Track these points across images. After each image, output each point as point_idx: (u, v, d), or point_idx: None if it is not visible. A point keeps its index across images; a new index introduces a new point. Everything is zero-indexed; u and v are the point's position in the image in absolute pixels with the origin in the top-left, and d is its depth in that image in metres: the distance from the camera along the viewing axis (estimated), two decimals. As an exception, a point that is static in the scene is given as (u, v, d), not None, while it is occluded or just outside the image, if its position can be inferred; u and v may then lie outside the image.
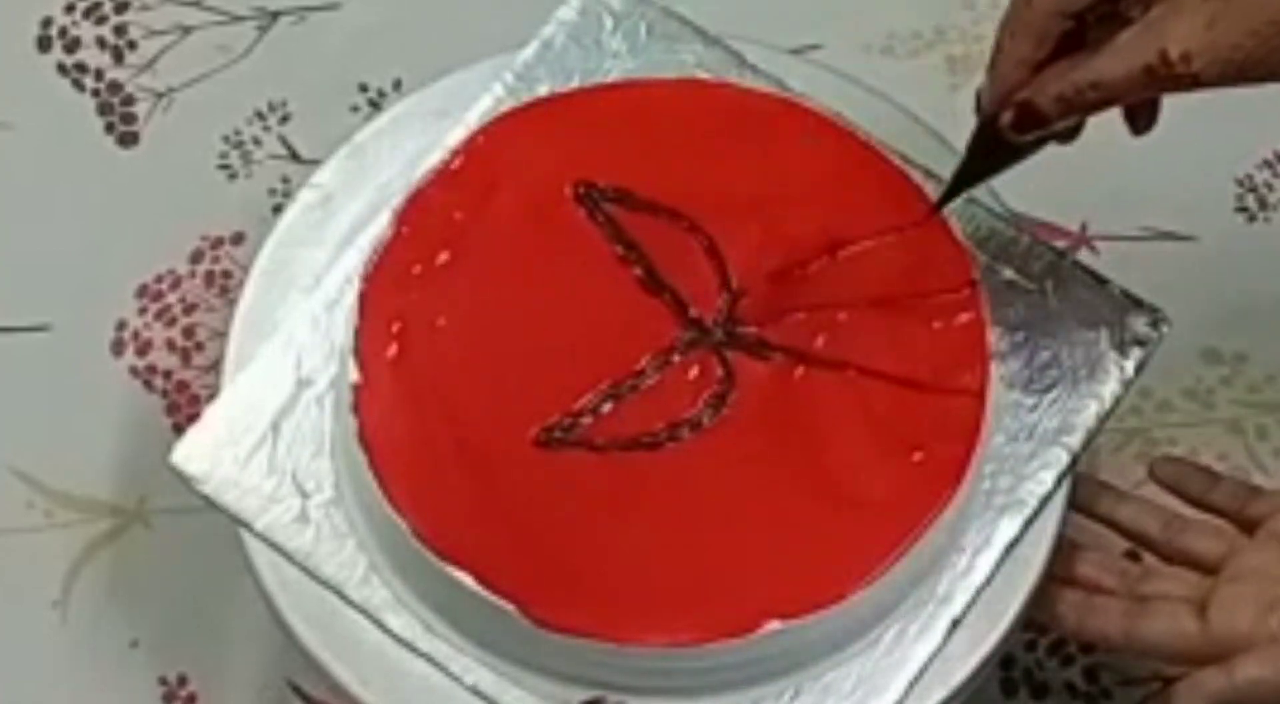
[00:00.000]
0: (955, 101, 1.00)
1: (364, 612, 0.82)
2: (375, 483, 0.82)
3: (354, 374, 0.83)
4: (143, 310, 1.00)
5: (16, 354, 0.99)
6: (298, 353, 0.86)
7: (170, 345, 0.99)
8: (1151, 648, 0.83)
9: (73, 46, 1.05)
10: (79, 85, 1.05)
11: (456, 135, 0.89)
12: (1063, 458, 0.84)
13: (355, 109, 1.03)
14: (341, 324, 0.86)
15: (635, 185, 0.87)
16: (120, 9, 1.06)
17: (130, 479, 0.96)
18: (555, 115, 0.89)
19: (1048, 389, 0.86)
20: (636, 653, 0.79)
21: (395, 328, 0.84)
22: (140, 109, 1.04)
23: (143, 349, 0.99)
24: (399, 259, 0.86)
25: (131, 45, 1.05)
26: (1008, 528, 0.83)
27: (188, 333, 0.99)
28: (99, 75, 1.05)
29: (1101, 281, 0.88)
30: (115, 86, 1.04)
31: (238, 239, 1.00)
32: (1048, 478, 0.84)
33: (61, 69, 1.05)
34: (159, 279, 1.00)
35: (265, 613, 0.84)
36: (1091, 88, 0.78)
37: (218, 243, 1.01)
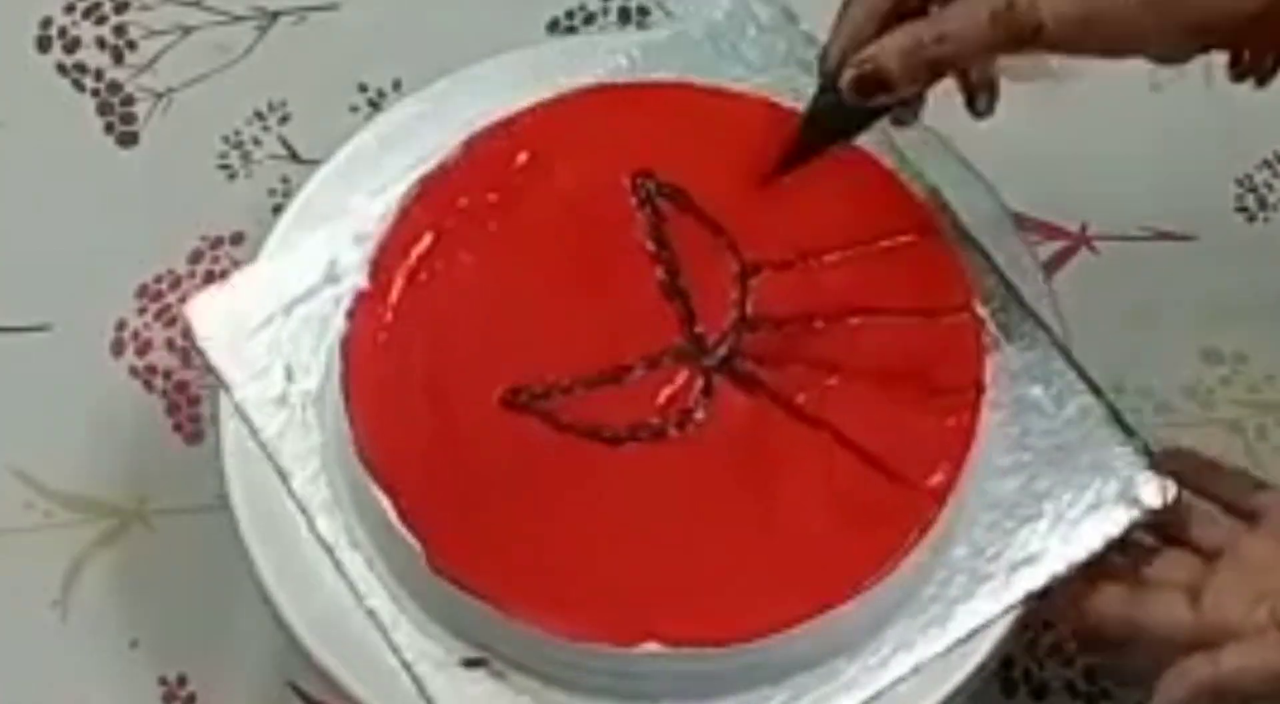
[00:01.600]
0: (955, 102, 1.00)
1: (300, 505, 0.84)
2: (342, 391, 0.83)
3: (364, 280, 0.85)
4: (143, 310, 1.00)
5: (16, 354, 0.99)
6: (335, 251, 0.88)
7: (170, 345, 0.99)
8: (1146, 632, 0.82)
9: (72, 46, 1.05)
10: (79, 85, 1.04)
11: (537, 96, 0.89)
12: (1015, 594, 0.82)
13: (355, 109, 1.03)
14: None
15: (690, 189, 0.87)
16: (120, 9, 1.06)
17: (130, 479, 0.96)
18: (628, 102, 0.89)
19: (1029, 519, 0.83)
20: (520, 629, 0.80)
21: (421, 247, 0.85)
22: (140, 109, 1.04)
23: (143, 349, 0.99)
24: (453, 185, 0.87)
25: (131, 45, 1.05)
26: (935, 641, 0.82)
27: (188, 333, 0.99)
28: (99, 75, 1.05)
29: (1129, 431, 0.84)
30: (115, 86, 1.04)
31: (238, 239, 1.00)
32: (991, 608, 0.82)
33: (61, 69, 1.05)
34: (159, 279, 1.00)
35: (265, 613, 0.84)
36: (937, 41, 0.77)
37: (217, 243, 1.01)
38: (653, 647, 0.79)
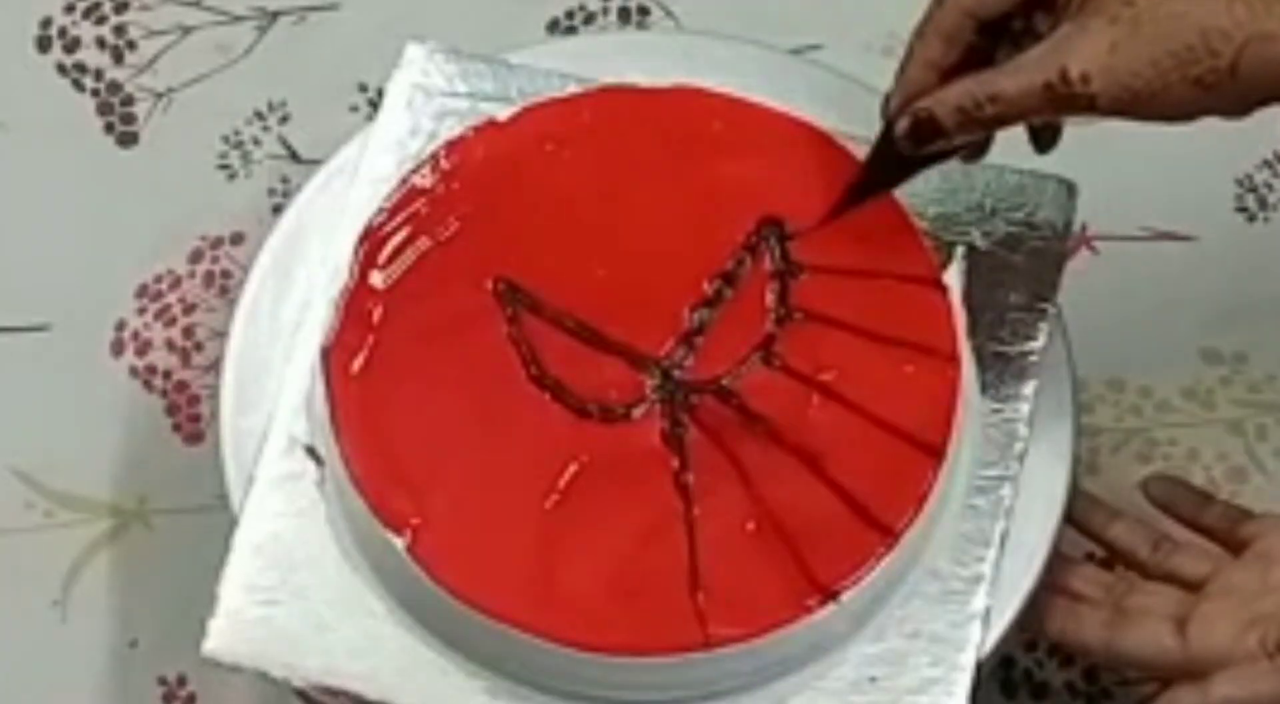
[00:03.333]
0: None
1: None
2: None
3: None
4: (142, 310, 1.00)
5: (16, 354, 0.99)
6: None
7: (170, 345, 0.99)
8: (1130, 660, 0.83)
9: (72, 46, 1.05)
10: (79, 85, 1.04)
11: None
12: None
13: (355, 109, 1.03)
14: None
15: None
16: (120, 9, 1.06)
17: (130, 479, 0.96)
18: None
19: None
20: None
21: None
22: (140, 109, 1.04)
23: (142, 349, 0.99)
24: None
25: (131, 45, 1.05)
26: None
27: (187, 333, 0.99)
28: (99, 75, 1.05)
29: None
30: (115, 86, 1.04)
31: (237, 239, 1.00)
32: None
33: (61, 69, 1.05)
34: (159, 279, 1.00)
35: (265, 613, 0.84)
36: (990, 101, 0.78)
37: (217, 243, 1.01)
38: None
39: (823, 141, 0.88)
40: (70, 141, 1.03)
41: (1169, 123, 0.78)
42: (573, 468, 0.83)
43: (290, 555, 0.84)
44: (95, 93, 1.04)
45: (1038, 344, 0.86)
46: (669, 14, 1.05)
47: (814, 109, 0.90)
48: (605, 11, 1.05)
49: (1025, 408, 0.85)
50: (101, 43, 1.05)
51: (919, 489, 0.82)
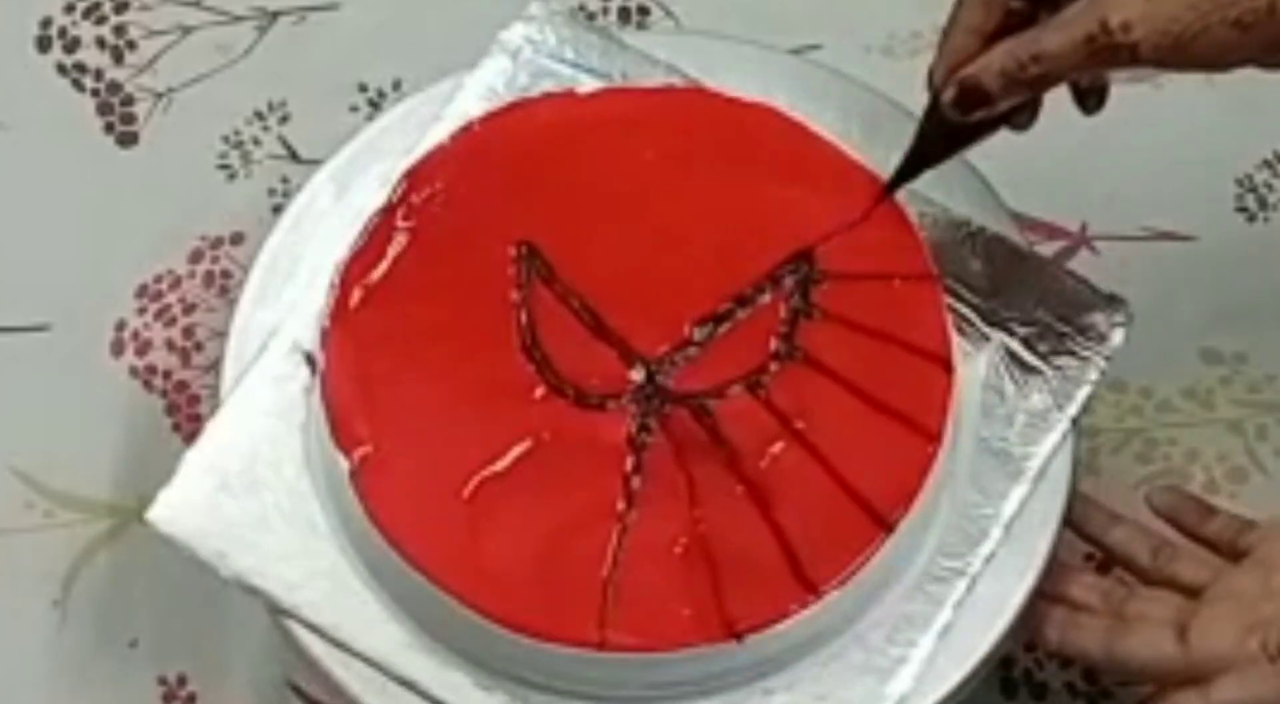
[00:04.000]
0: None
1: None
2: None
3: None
4: (142, 310, 1.00)
5: (16, 354, 0.99)
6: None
7: (170, 345, 0.99)
8: (1131, 666, 0.83)
9: (72, 46, 1.05)
10: (79, 85, 1.04)
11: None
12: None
13: (355, 109, 1.03)
14: None
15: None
16: (120, 9, 1.06)
17: (130, 479, 0.96)
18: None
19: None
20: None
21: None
22: (140, 109, 1.04)
23: (142, 349, 0.99)
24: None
25: (131, 45, 1.05)
26: None
27: (187, 333, 0.99)
28: (99, 75, 1.05)
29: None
30: (115, 86, 1.04)
31: (237, 239, 1.00)
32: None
33: (61, 69, 1.05)
34: (159, 279, 1.00)
35: (265, 613, 0.84)
36: (1034, 61, 0.78)
37: (217, 243, 1.01)
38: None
39: (873, 183, 0.88)
40: (70, 141, 1.03)
41: (1210, 71, 0.78)
42: (528, 442, 0.83)
43: (256, 449, 0.85)
44: (95, 93, 1.04)
45: (1040, 450, 0.86)
46: (669, 14, 1.05)
47: (814, 109, 0.90)
48: (605, 11, 1.05)
49: (1007, 509, 0.85)
50: (101, 43, 1.05)
51: (857, 556, 0.81)
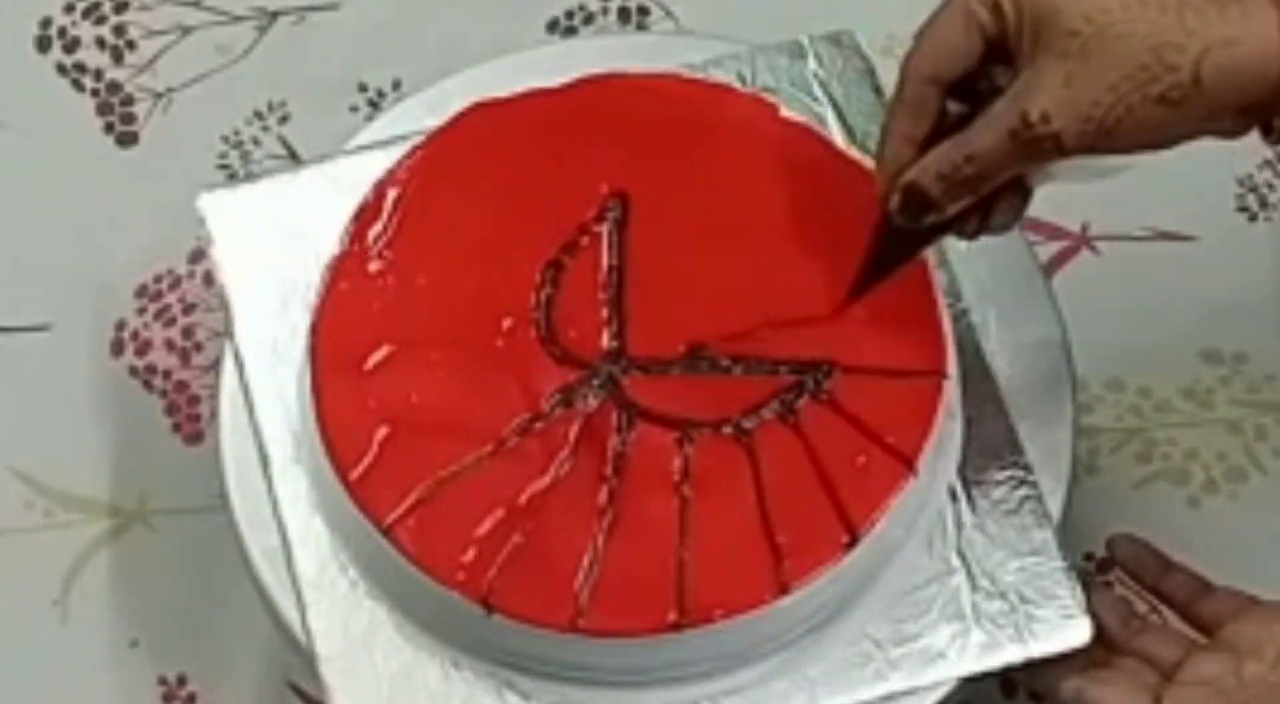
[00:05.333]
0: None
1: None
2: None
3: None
4: (142, 310, 1.00)
5: (16, 354, 0.99)
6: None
7: (170, 345, 0.99)
8: None
9: (72, 46, 1.05)
10: (79, 85, 1.05)
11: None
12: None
13: (355, 109, 1.03)
14: None
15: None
16: (119, 9, 1.06)
17: (130, 479, 0.96)
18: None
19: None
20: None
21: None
22: (140, 109, 1.04)
23: (142, 349, 0.99)
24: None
25: (131, 45, 1.05)
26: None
27: (187, 333, 0.99)
28: (98, 75, 1.05)
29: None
30: (115, 86, 1.04)
31: (237, 239, 1.01)
32: None
33: (61, 69, 1.05)
34: (159, 279, 1.00)
35: (265, 613, 0.84)
36: (967, 161, 0.77)
37: (217, 243, 1.01)
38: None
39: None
40: (70, 141, 1.03)
41: (1153, 150, 0.77)
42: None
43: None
44: (95, 93, 1.04)
45: None
46: (669, 14, 1.05)
47: (814, 109, 0.90)
48: (605, 11, 1.05)
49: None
50: (101, 43, 1.05)
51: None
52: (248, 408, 0.86)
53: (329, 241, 0.87)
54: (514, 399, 0.84)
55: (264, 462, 0.85)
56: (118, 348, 0.99)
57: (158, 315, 1.00)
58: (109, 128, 1.04)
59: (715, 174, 0.87)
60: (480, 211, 0.87)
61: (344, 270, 0.86)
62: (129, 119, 1.04)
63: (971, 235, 0.81)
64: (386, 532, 0.81)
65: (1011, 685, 0.93)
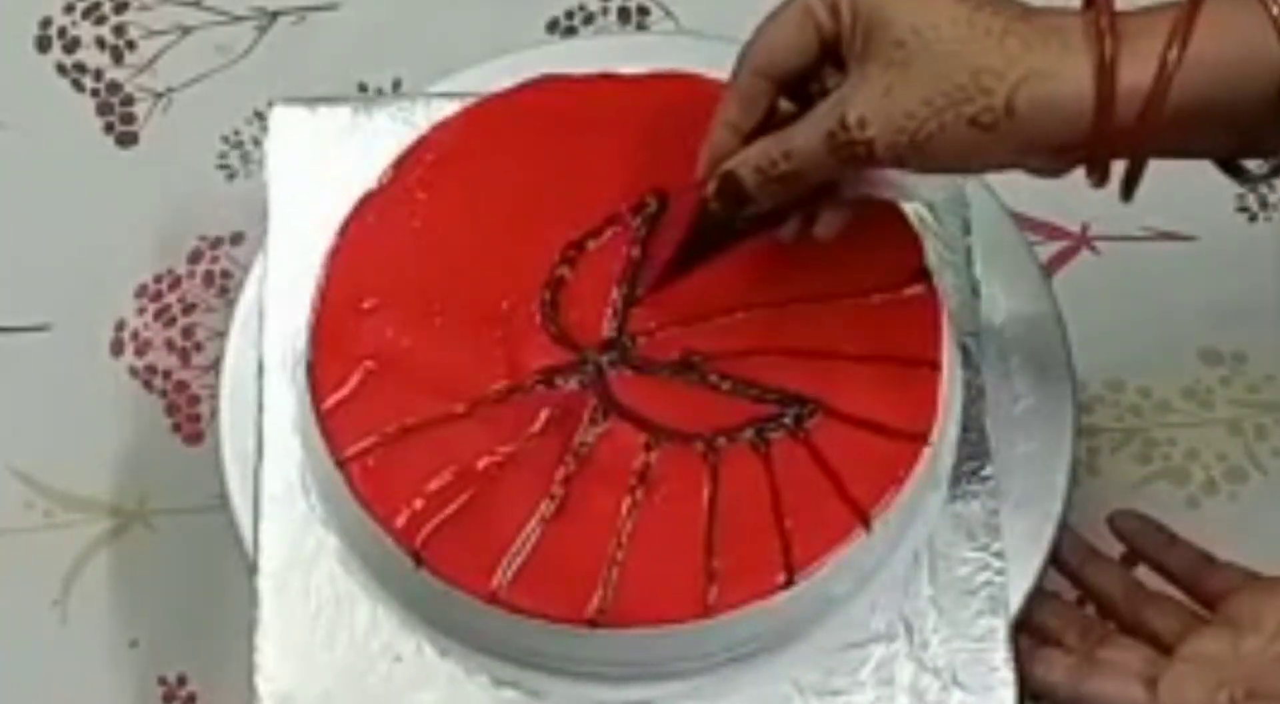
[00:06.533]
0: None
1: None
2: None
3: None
4: (142, 310, 1.00)
5: (16, 354, 0.99)
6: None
7: (170, 345, 0.99)
8: None
9: (72, 46, 1.05)
10: (78, 85, 1.05)
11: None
12: None
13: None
14: None
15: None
16: (119, 9, 1.06)
17: (130, 479, 0.96)
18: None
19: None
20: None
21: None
22: (140, 109, 1.04)
23: (142, 349, 0.99)
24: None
25: (131, 45, 1.05)
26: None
27: (187, 333, 0.99)
28: (98, 75, 1.05)
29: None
30: (115, 86, 1.04)
31: (237, 239, 1.00)
32: None
33: (61, 69, 1.05)
34: (159, 279, 1.00)
35: (265, 613, 0.84)
36: (784, 158, 0.78)
37: (217, 243, 1.01)
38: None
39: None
40: (70, 141, 1.03)
41: (963, 173, 0.77)
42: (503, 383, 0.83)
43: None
44: (95, 93, 1.04)
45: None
46: (669, 14, 1.05)
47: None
48: (605, 11, 1.05)
49: None
50: (101, 43, 1.05)
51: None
52: (259, 314, 0.87)
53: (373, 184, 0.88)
54: (499, 367, 0.84)
55: (260, 369, 0.86)
56: (118, 348, 0.99)
57: (158, 315, 1.00)
58: (109, 128, 1.04)
59: None
60: (519, 180, 0.87)
61: (373, 206, 0.87)
62: (129, 119, 1.04)
63: (791, 238, 0.82)
64: (341, 464, 0.82)
65: (1011, 685, 0.93)
